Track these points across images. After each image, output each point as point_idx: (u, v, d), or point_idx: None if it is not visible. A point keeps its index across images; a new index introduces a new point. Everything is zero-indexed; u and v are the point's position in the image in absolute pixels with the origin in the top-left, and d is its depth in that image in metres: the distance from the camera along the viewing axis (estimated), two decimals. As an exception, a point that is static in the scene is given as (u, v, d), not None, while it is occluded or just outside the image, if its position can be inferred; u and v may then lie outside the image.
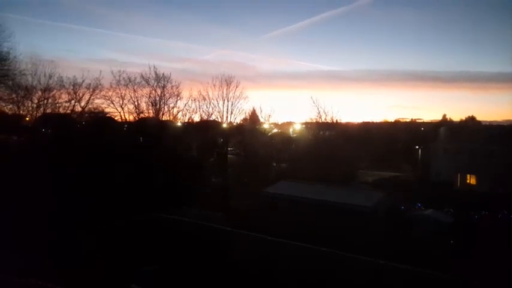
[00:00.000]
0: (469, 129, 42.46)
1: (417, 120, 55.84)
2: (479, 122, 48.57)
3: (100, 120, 24.15)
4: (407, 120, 54.67)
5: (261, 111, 33.08)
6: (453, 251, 15.29)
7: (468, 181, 34.35)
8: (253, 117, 33.08)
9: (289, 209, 19.10)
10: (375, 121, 51.32)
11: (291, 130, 46.02)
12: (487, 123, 48.75)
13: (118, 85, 24.20)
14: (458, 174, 34.69)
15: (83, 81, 22.81)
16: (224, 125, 29.52)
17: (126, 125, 26.12)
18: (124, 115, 24.83)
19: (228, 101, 29.03)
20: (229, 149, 30.86)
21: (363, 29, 59.96)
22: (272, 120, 35.87)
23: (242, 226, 15.39)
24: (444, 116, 55.12)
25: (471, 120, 48.42)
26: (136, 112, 24.62)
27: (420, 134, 49.55)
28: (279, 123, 42.92)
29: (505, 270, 11.47)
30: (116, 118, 25.11)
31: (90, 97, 23.16)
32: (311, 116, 33.74)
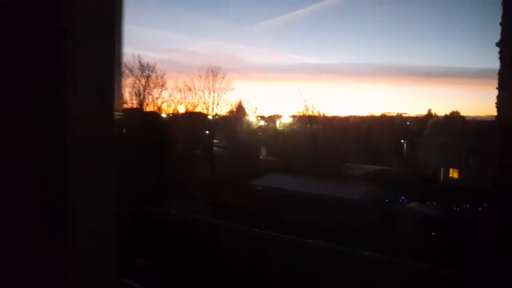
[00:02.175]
0: (453, 124, 43.10)
1: (403, 115, 56.38)
2: (463, 117, 49.32)
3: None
4: (394, 114, 55.13)
5: (248, 103, 32.90)
6: (434, 243, 15.53)
7: (451, 175, 34.94)
8: (240, 110, 32.89)
9: (278, 202, 19.17)
10: (362, 115, 51.63)
11: (278, 123, 45.94)
12: (471, 118, 49.48)
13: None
14: (442, 169, 35.25)
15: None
16: (210, 117, 29.29)
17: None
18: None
19: (214, 92, 28.79)
20: (215, 141, 30.66)
21: (351, 22, 59.91)
22: (259, 113, 35.76)
23: (230, 219, 15.34)
24: (429, 110, 55.74)
25: (455, 115, 49.11)
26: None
27: (406, 128, 50.09)
28: (266, 116, 42.83)
29: (481, 260, 11.69)
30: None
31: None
32: (299, 109, 33.76)
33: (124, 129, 24.67)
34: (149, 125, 24.21)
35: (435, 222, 17.82)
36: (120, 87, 1.03)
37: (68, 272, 0.87)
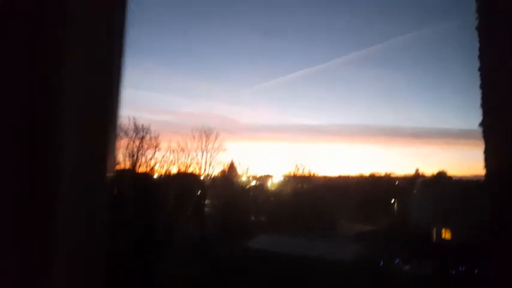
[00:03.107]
0: (442, 184, 43.75)
1: (392, 174, 57.20)
2: (450, 176, 50.21)
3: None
4: (383, 174, 55.91)
5: (240, 164, 33.23)
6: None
7: (443, 235, 34.73)
8: (232, 170, 33.11)
9: (273, 264, 18.75)
10: (351, 175, 52.24)
11: (269, 183, 46.06)
12: (457, 178, 50.35)
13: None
14: (434, 228, 35.12)
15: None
16: (202, 177, 29.32)
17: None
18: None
19: (207, 152, 29.16)
20: (206, 201, 30.37)
21: (340, 85, 63.32)
22: (251, 173, 35.98)
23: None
24: (417, 170, 56.74)
25: (442, 174, 50.04)
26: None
27: (395, 187, 50.58)
28: (258, 175, 43.01)
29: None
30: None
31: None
32: (290, 169, 34.20)
33: (115, 190, 24.47)
34: (141, 186, 24.10)
35: (431, 285, 17.45)
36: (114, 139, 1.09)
37: (56, 275, 0.89)
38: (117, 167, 24.32)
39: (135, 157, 24.35)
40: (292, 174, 34.27)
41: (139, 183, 23.78)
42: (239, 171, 33.22)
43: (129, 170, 24.16)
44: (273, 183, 45.92)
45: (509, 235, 0.94)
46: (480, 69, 1.05)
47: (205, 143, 29.07)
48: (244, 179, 34.57)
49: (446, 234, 34.43)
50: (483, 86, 1.05)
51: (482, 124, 1.26)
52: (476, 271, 19.91)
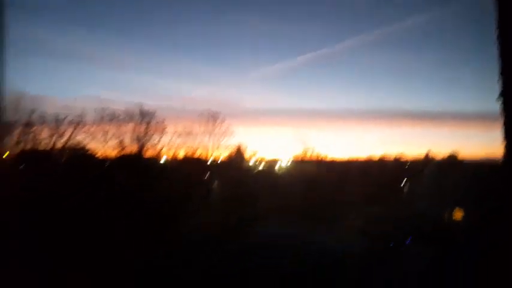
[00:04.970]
0: (454, 166, 43.12)
1: (402, 157, 56.47)
2: (462, 159, 49.39)
3: (81, 157, 23.63)
4: (393, 156, 55.21)
5: (247, 148, 33.02)
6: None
7: (455, 217, 34.34)
8: (239, 154, 32.93)
9: (282, 249, 18.77)
10: (360, 158, 51.69)
11: (277, 167, 45.86)
12: (469, 160, 49.48)
13: (101, 121, 24.04)
14: (445, 210, 34.72)
15: (66, 117, 22.79)
16: (209, 161, 29.23)
17: (107, 162, 25.60)
18: (106, 152, 24.39)
19: (213, 136, 28.99)
20: (214, 185, 30.36)
21: (349, 69, 62.15)
22: (258, 157, 35.79)
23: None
24: (428, 152, 55.92)
25: (454, 156, 49.21)
26: (119, 148, 24.23)
27: (406, 170, 50.01)
28: (265, 159, 42.87)
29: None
30: (97, 155, 24.64)
31: (72, 133, 22.92)
32: (298, 152, 33.89)
33: (122, 174, 24.46)
34: (147, 170, 24.07)
35: (441, 267, 17.21)
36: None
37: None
38: (124, 152, 24.35)
39: (141, 141, 24.32)
40: (300, 157, 33.96)
41: (146, 168, 23.75)
42: (246, 155, 33.07)
43: (135, 154, 24.14)
44: (281, 167, 45.74)
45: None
46: (498, 37, 1.07)
47: (212, 127, 28.91)
48: (251, 163, 34.41)
49: (457, 216, 34.04)
50: (502, 55, 1.05)
51: (502, 95, 1.09)
52: (487, 251, 19.55)
